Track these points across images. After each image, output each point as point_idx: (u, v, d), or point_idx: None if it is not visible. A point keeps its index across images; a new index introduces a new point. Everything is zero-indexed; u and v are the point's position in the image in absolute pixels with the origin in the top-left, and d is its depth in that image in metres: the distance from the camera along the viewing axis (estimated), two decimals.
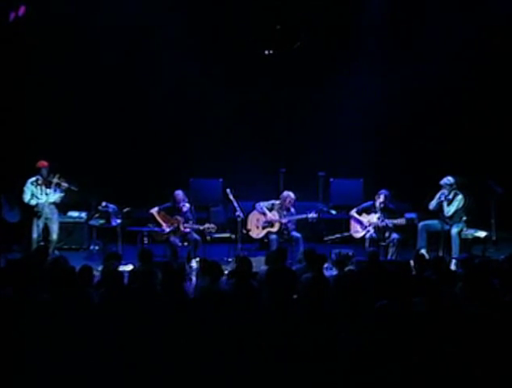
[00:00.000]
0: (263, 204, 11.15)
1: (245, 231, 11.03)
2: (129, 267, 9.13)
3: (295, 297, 6.79)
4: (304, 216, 10.95)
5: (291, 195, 11.08)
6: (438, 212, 10.93)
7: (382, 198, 10.82)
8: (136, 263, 8.69)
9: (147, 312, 6.08)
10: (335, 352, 5.49)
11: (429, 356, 5.49)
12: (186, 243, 10.81)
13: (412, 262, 8.19)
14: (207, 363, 5.49)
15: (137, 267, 8.12)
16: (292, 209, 11.12)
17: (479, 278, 6.80)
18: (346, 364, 5.40)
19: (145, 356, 5.58)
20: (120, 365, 5.52)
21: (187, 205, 10.93)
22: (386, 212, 10.81)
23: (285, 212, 11.06)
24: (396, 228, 10.76)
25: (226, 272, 8.24)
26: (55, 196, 10.83)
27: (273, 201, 11.23)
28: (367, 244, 10.77)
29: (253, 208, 11.21)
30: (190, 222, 10.82)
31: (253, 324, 5.82)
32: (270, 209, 11.13)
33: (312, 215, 10.86)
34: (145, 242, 10.65)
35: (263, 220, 11.08)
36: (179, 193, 10.90)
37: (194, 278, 9.12)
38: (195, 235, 10.83)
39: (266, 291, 6.75)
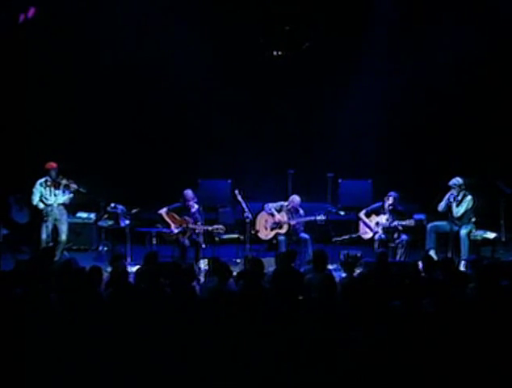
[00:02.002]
0: (272, 206, 11.15)
1: (253, 232, 11.01)
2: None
3: (300, 298, 6.77)
4: (312, 218, 10.92)
5: (296, 199, 11.05)
6: (447, 213, 10.88)
7: (391, 200, 10.79)
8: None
9: (155, 312, 6.08)
10: (344, 353, 5.49)
11: (438, 356, 5.48)
12: (190, 244, 10.81)
13: (420, 263, 8.15)
14: (215, 363, 5.50)
15: (141, 267, 8.12)
16: (301, 211, 11.10)
17: (488, 279, 6.77)
18: (354, 365, 5.39)
19: (154, 356, 5.59)
20: (128, 365, 5.54)
21: (196, 206, 10.92)
22: (395, 213, 10.78)
23: (293, 214, 11.04)
24: (404, 229, 10.73)
25: (235, 273, 8.26)
26: (64, 198, 10.85)
27: (281, 203, 11.21)
28: (375, 245, 10.76)
29: (262, 209, 11.20)
30: (199, 223, 10.81)
31: (261, 324, 5.82)
32: (279, 211, 11.11)
33: (321, 217, 10.83)
34: (154, 242, 10.65)
35: (271, 221, 11.07)
36: (189, 192, 10.89)
37: (202, 278, 9.13)
38: (199, 237, 10.81)
39: (272, 292, 6.75)
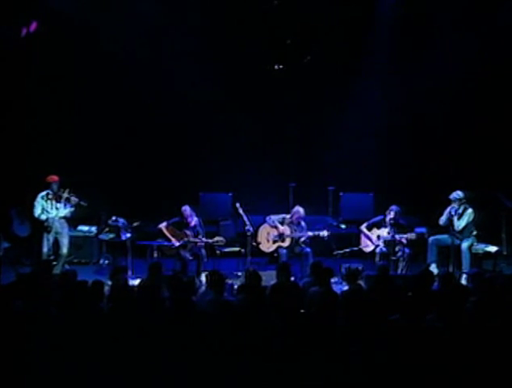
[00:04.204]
0: (274, 218, 11.14)
1: (254, 244, 10.98)
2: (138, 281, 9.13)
3: (302, 311, 6.75)
4: (316, 233, 10.93)
5: (300, 211, 11.05)
6: (448, 226, 10.87)
7: (392, 214, 10.80)
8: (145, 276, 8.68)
9: (155, 325, 6.07)
10: (345, 366, 5.47)
11: (439, 371, 5.47)
12: (192, 257, 10.80)
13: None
14: (215, 376, 5.49)
15: (144, 281, 8.11)
16: (303, 223, 11.10)
17: (490, 293, 6.75)
18: (356, 377, 5.38)
19: (154, 369, 5.58)
20: (129, 379, 5.52)
21: (196, 219, 10.94)
22: (396, 227, 10.78)
23: (295, 227, 11.05)
24: (407, 242, 10.73)
25: (236, 287, 8.24)
26: (65, 211, 10.86)
27: (283, 215, 11.22)
28: (377, 258, 10.76)
29: (264, 222, 11.18)
30: (200, 236, 10.82)
31: (260, 338, 5.81)
32: (281, 224, 11.11)
33: (324, 233, 10.86)
34: (155, 255, 10.65)
35: (274, 234, 11.06)
36: (186, 209, 10.91)
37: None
38: (201, 250, 10.81)
39: (271, 305, 6.73)
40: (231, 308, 6.52)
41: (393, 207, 10.86)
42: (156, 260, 9.91)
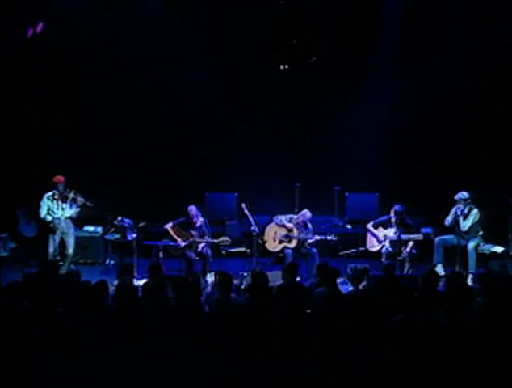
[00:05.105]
0: (282, 218, 11.13)
1: (260, 241, 10.96)
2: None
3: (308, 311, 6.75)
4: (323, 237, 10.92)
5: (307, 214, 11.04)
6: (454, 227, 10.86)
7: (392, 212, 10.81)
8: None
9: (161, 326, 6.08)
10: (348, 366, 5.47)
11: (447, 371, 5.46)
12: (197, 257, 10.81)
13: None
14: (221, 375, 5.49)
15: (148, 281, 8.13)
16: (310, 226, 11.09)
17: (496, 293, 6.74)
18: (359, 378, 5.38)
19: (159, 368, 5.59)
20: (134, 378, 5.53)
21: (201, 219, 10.94)
22: (403, 227, 10.76)
23: (302, 229, 11.04)
24: (414, 243, 10.73)
25: (242, 287, 8.24)
26: (71, 211, 10.88)
27: (291, 216, 11.21)
28: (383, 258, 10.74)
29: (271, 221, 11.17)
30: (206, 236, 10.83)
31: (266, 338, 5.81)
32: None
33: (332, 237, 10.86)
34: (161, 256, 10.66)
35: (281, 234, 11.05)
36: (192, 209, 10.91)
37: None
38: (207, 250, 10.82)
39: (277, 306, 6.73)
40: (237, 308, 6.53)
41: (396, 206, 10.86)
42: (154, 261, 9.94)
